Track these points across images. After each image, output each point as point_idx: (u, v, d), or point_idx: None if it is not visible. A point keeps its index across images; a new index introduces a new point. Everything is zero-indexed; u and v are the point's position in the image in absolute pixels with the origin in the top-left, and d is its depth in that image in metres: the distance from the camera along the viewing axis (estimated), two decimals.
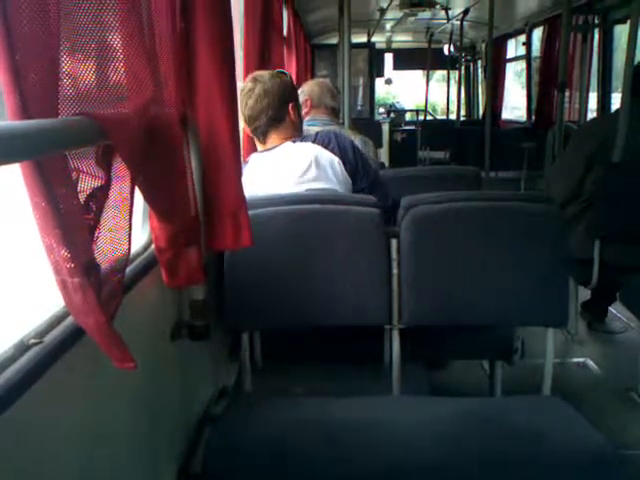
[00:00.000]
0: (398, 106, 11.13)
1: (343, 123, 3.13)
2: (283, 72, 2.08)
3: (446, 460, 1.35)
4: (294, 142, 1.98)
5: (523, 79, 7.76)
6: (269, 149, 1.99)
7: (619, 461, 1.35)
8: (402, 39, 9.68)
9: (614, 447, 1.37)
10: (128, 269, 1.08)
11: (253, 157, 2.02)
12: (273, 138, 2.00)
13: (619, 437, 1.98)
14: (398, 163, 6.75)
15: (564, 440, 1.40)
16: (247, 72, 2.61)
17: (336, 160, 1.93)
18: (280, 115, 1.98)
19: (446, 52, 8.80)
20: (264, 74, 2.02)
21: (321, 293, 1.73)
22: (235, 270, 1.71)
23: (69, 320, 0.92)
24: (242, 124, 1.98)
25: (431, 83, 9.15)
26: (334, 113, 2.83)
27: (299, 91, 2.54)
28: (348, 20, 3.51)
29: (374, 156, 2.89)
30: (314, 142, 1.96)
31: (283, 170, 1.92)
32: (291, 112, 2.00)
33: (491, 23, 4.92)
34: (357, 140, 2.76)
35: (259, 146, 2.06)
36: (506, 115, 8.23)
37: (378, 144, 6.48)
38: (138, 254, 1.30)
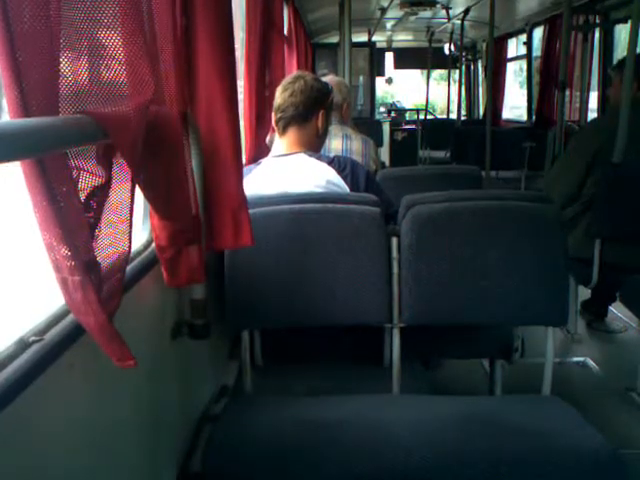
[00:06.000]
0: (398, 105, 11.14)
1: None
2: (327, 83, 2.10)
3: (446, 459, 1.35)
4: (309, 156, 1.96)
5: (523, 78, 7.76)
6: (283, 155, 1.98)
7: (619, 461, 1.34)
8: (403, 38, 9.69)
9: (614, 447, 1.37)
10: (128, 268, 1.08)
11: (266, 161, 2.01)
12: (291, 134, 1.99)
13: (619, 436, 1.98)
14: (399, 162, 6.76)
15: (563, 439, 1.40)
16: (248, 71, 2.61)
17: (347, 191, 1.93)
18: (307, 115, 1.98)
19: (447, 51, 8.81)
20: (308, 75, 2.05)
21: (321, 292, 1.73)
22: (235, 269, 1.71)
23: (70, 318, 0.92)
24: (243, 123, 1.97)
25: (430, 82, 9.13)
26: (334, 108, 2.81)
27: None
28: (349, 19, 3.51)
29: (375, 155, 2.88)
30: (330, 164, 1.94)
31: (291, 182, 1.91)
32: (319, 118, 2.00)
33: (492, 22, 4.90)
34: (358, 139, 2.76)
35: (277, 138, 2.04)
36: (507, 114, 8.23)
37: (379, 143, 6.47)
38: (139, 253, 1.30)
